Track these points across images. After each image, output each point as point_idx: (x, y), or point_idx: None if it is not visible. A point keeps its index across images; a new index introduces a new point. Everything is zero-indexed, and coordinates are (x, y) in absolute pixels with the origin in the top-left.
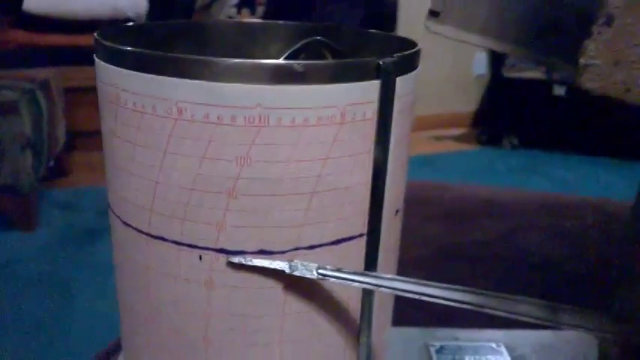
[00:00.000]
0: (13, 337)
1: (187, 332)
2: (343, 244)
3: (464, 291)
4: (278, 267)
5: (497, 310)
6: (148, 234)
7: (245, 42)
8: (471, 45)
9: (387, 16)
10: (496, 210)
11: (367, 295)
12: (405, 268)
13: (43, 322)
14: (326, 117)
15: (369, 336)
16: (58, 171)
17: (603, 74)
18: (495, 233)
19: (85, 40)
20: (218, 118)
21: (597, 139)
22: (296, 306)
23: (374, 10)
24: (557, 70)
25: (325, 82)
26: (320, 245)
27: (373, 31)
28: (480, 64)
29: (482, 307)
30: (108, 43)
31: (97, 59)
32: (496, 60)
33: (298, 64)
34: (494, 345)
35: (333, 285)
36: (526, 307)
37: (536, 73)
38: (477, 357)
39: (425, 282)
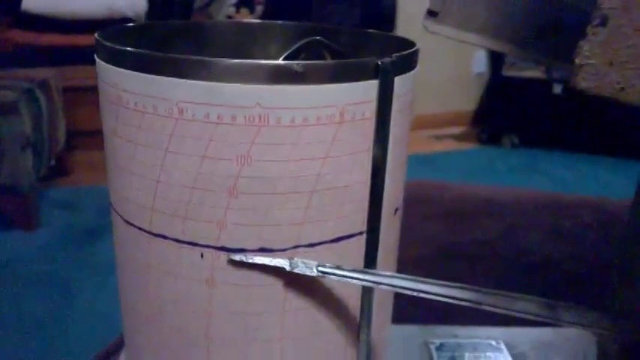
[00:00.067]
0: (13, 336)
1: (189, 330)
2: (343, 242)
3: (462, 288)
4: (278, 264)
5: (495, 307)
6: (149, 232)
7: (245, 42)
8: (470, 45)
9: (385, 16)
10: (496, 209)
11: (367, 292)
12: (405, 267)
13: (44, 321)
14: (325, 116)
15: (368, 333)
16: (58, 170)
17: (598, 74)
18: (495, 232)
19: (84, 39)
20: (218, 117)
21: (597, 138)
22: (296, 303)
23: (372, 9)
24: (556, 70)
25: (324, 82)
26: (320, 243)
27: (372, 31)
28: (479, 62)
29: (480, 304)
30: (109, 44)
31: (98, 60)
32: (496, 59)
33: (297, 64)
34: (493, 342)
35: (332, 282)
36: (524, 305)
37: (536, 72)
38: (476, 354)
39: (424, 279)
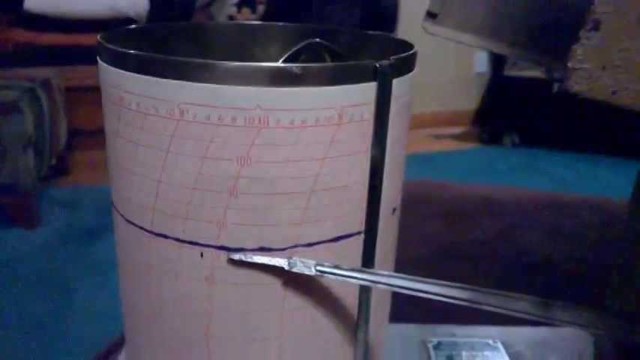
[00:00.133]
0: (13, 335)
1: (189, 328)
2: (341, 242)
3: (459, 288)
4: (277, 264)
5: (492, 306)
6: (150, 232)
7: (245, 43)
8: (468, 46)
9: (386, 16)
10: (496, 209)
11: (364, 291)
12: (404, 267)
13: (44, 320)
14: (324, 118)
15: (366, 332)
16: (59, 170)
17: (591, 78)
18: (495, 232)
19: (86, 39)
20: (219, 119)
21: (598, 138)
22: (295, 302)
23: (373, 10)
24: (554, 70)
25: (323, 84)
26: (318, 243)
27: (371, 32)
28: (480, 62)
29: (477, 303)
30: (111, 46)
31: (100, 62)
32: (497, 58)
33: (296, 66)
34: (490, 341)
35: (331, 281)
36: (520, 304)
37: (536, 72)
38: (473, 353)
39: (421, 279)
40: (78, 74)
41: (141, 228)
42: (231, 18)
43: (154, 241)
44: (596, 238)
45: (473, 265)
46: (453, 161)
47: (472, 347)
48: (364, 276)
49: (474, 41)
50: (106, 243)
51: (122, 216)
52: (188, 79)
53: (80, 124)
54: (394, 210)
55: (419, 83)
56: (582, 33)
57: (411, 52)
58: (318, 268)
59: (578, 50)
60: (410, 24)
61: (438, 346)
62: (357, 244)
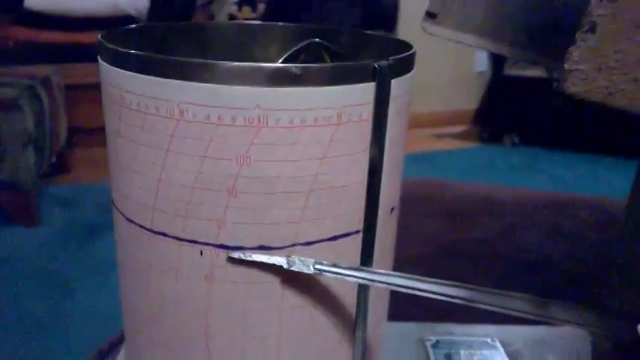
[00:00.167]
0: (12, 334)
1: (188, 326)
2: (340, 241)
3: (457, 286)
4: (276, 262)
5: (488, 305)
6: (150, 230)
7: (245, 43)
8: (468, 46)
9: (386, 16)
10: (496, 208)
11: (363, 290)
12: (405, 266)
13: (43, 318)
14: (323, 118)
15: (364, 330)
16: (59, 168)
17: (587, 79)
18: (495, 231)
19: (86, 37)
20: (218, 118)
21: (598, 138)
22: (293, 300)
23: (373, 9)
24: (554, 70)
25: (322, 84)
26: (317, 241)
27: (370, 32)
28: (481, 61)
29: (474, 302)
30: (112, 46)
31: (101, 61)
32: (498, 58)
33: (296, 67)
34: (489, 340)
35: (329, 280)
36: (517, 303)
37: (537, 71)
38: (471, 352)
39: (419, 277)
40: (78, 72)
41: (141, 226)
42: (231, 16)
43: (154, 240)
44: (596, 238)
45: (473, 264)
46: (454, 160)
47: (470, 346)
48: (362, 274)
49: (474, 41)
50: (106, 241)
51: (122, 214)
52: (188, 79)
53: (80, 121)
54: (392, 209)
55: (419, 82)
56: (578, 35)
57: (409, 52)
58: (317, 266)
59: (575, 52)
60: (410, 24)
61: (436, 345)
62: (355, 243)
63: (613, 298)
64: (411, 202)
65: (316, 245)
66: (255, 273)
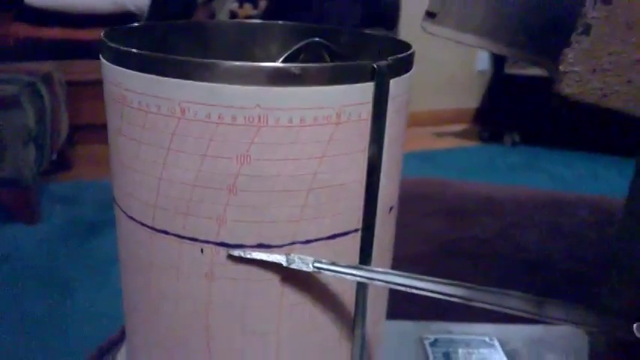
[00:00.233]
0: (12, 331)
1: (189, 323)
2: (338, 239)
3: (454, 285)
4: (276, 260)
5: (485, 303)
6: (151, 228)
7: (246, 41)
8: (467, 46)
9: (387, 14)
10: (496, 207)
11: (361, 288)
12: (405, 264)
13: (43, 316)
14: (322, 117)
15: (363, 328)
16: (60, 165)
17: (581, 81)
18: (495, 230)
19: (87, 33)
20: (219, 117)
21: (598, 137)
22: (293, 298)
23: (374, 7)
24: (553, 71)
25: (322, 84)
26: (316, 240)
27: (370, 32)
28: (482, 60)
29: (471, 300)
30: (113, 45)
31: (103, 60)
32: (498, 56)
33: (295, 67)
34: (487, 339)
35: (328, 278)
36: (513, 301)
37: (538, 70)
38: (469, 350)
39: (417, 276)
40: (79, 68)
41: (142, 224)
42: (232, 13)
43: (155, 237)
44: (595, 237)
45: (473, 262)
46: (454, 159)
47: (468, 344)
48: (361, 273)
49: (473, 41)
50: (106, 238)
51: (124, 212)
52: (189, 78)
53: (81, 118)
54: (391, 208)
55: (420, 81)
56: (573, 37)
57: (408, 52)
58: (316, 264)
59: (569, 54)
60: (411, 22)
61: (434, 343)
62: (354, 241)
63: (611, 296)
64: (411, 200)
65: (315, 243)
66: (255, 271)
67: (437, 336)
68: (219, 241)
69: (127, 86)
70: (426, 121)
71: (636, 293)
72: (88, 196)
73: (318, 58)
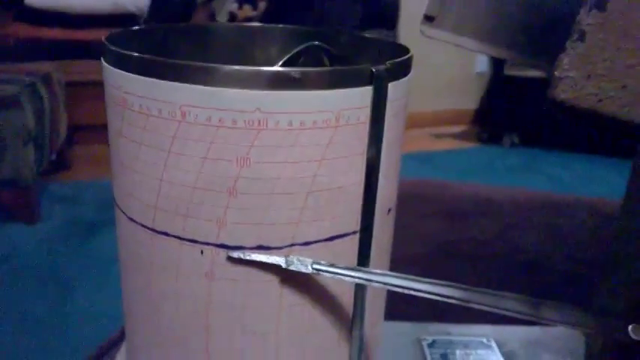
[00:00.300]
0: (12, 331)
1: (188, 324)
2: (337, 241)
3: (451, 286)
4: (275, 262)
5: (482, 304)
6: (152, 229)
7: (246, 44)
8: (466, 49)
9: (387, 15)
10: (494, 209)
11: (360, 289)
12: (403, 265)
13: (43, 316)
14: (321, 120)
15: (361, 329)
16: (59, 165)
17: (576, 86)
18: (493, 232)
19: (87, 34)
20: (219, 120)
21: (596, 138)
22: (292, 299)
23: (374, 7)
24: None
25: (321, 87)
26: (315, 242)
27: (369, 35)
28: (481, 61)
29: (468, 302)
30: (114, 48)
31: (104, 63)
32: (497, 58)
33: (295, 71)
34: (484, 340)
35: (327, 279)
36: (510, 303)
37: (537, 72)
38: (467, 351)
39: (415, 277)
40: (79, 69)
41: (143, 226)
42: (232, 14)
43: (156, 239)
44: (594, 239)
45: (471, 264)
46: (453, 160)
47: (466, 346)
48: (359, 274)
49: (472, 44)
50: (105, 238)
51: (124, 213)
52: (189, 82)
53: (81, 119)
54: (389, 210)
55: (419, 82)
56: (568, 43)
57: (406, 56)
58: (315, 266)
59: (564, 59)
60: (411, 22)
61: (432, 345)
62: (352, 243)
63: (608, 298)
64: (409, 201)
65: (314, 245)
66: (254, 272)
67: (435, 337)
68: (219, 242)
69: (128, 89)
70: (425, 122)
71: (633, 294)
72: (87, 196)
73: (318, 61)
